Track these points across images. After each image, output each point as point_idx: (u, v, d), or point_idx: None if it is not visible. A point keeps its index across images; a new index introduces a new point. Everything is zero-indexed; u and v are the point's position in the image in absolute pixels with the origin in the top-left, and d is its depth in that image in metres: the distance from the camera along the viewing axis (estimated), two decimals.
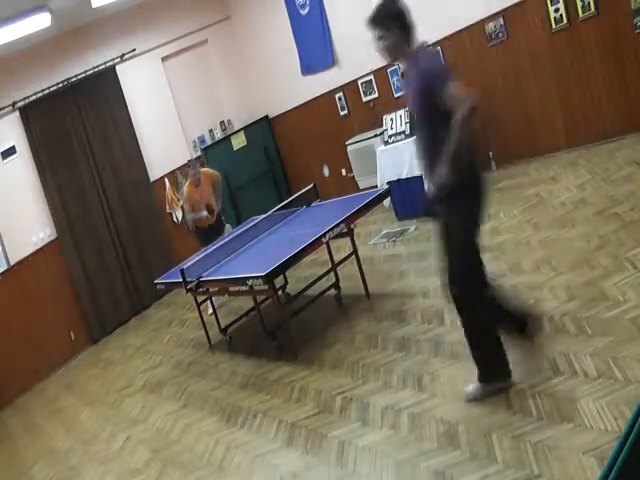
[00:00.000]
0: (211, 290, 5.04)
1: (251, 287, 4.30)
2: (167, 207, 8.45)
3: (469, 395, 3.03)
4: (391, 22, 2.75)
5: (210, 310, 6.09)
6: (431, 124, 2.74)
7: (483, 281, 2.94)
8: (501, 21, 6.25)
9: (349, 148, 7.82)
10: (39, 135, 7.40)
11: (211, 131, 9.06)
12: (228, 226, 6.75)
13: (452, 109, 2.61)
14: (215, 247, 5.53)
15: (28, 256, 7.23)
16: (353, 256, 5.01)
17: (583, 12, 5.64)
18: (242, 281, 4.37)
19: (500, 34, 6.32)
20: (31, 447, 5.25)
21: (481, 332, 2.92)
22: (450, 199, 2.81)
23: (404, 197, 6.45)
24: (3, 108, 7.19)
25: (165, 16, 8.46)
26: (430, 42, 3.07)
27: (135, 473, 3.92)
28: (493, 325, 2.92)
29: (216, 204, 6.55)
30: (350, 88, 8.02)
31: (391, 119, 6.54)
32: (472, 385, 3.03)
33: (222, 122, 9.18)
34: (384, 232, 6.46)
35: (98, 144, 7.86)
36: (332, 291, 5.16)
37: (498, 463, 2.53)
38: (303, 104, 8.69)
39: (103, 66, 7.93)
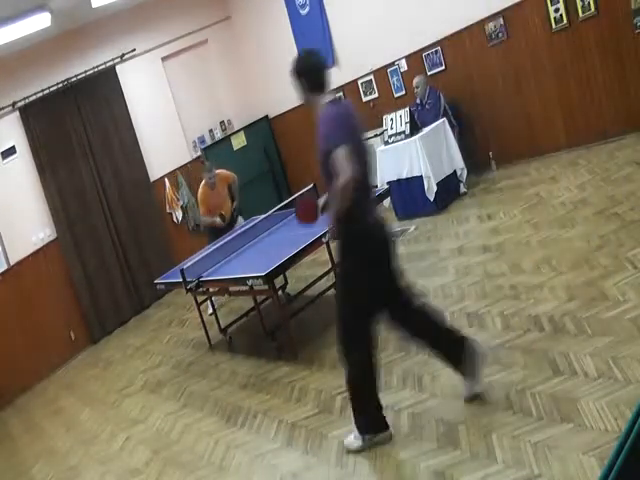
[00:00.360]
0: (211, 290, 5.04)
1: (251, 287, 4.30)
2: (167, 207, 8.45)
3: (347, 445, 3.08)
4: (298, 75, 2.88)
5: (210, 310, 6.09)
6: (327, 171, 2.77)
7: (372, 339, 2.92)
8: (501, 21, 6.25)
9: None
10: (39, 135, 7.40)
11: (211, 131, 9.06)
12: (240, 219, 6.72)
13: (336, 173, 2.66)
14: (215, 247, 5.53)
15: (28, 256, 7.23)
16: None
17: (583, 12, 5.64)
18: (242, 281, 4.37)
19: (500, 34, 6.32)
20: (31, 447, 5.25)
21: (356, 389, 2.97)
22: (341, 259, 2.95)
23: (404, 197, 6.46)
24: (3, 108, 7.19)
25: (165, 16, 8.46)
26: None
27: (135, 473, 3.92)
28: (367, 384, 2.94)
29: (232, 206, 6.55)
30: (350, 88, 8.03)
31: (391, 119, 6.54)
32: (351, 435, 3.08)
33: (222, 122, 9.18)
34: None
35: (98, 144, 7.86)
36: (332, 291, 5.15)
37: (498, 463, 2.53)
38: (303, 104, 8.67)
39: (103, 66, 7.93)
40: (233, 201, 6.56)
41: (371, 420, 3.00)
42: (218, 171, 6.46)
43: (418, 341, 3.06)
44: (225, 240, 5.71)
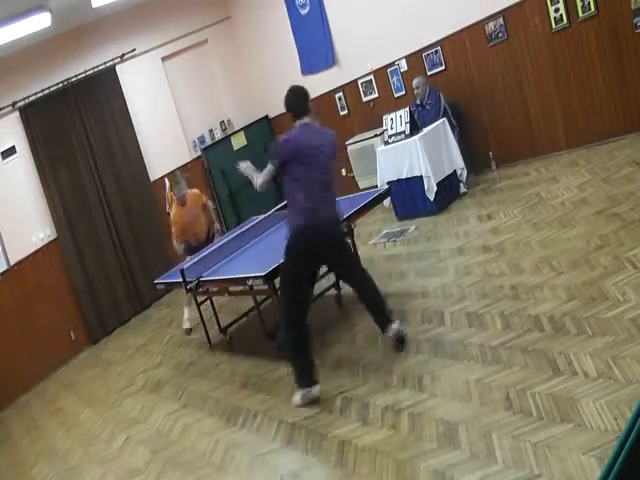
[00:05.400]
0: (211, 290, 5.04)
1: (251, 287, 4.30)
2: (167, 207, 8.44)
3: (295, 404, 3.78)
4: (285, 104, 3.95)
5: (187, 324, 6.16)
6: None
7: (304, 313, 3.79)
8: (501, 21, 6.25)
9: (349, 148, 7.82)
10: (39, 135, 7.40)
11: (211, 131, 9.06)
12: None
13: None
14: (215, 247, 5.53)
15: (28, 256, 7.23)
16: None
17: (583, 12, 5.64)
18: (242, 281, 4.38)
19: (500, 34, 6.32)
20: (31, 447, 5.25)
21: (290, 348, 3.80)
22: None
23: (404, 197, 6.46)
24: (3, 108, 7.19)
25: (165, 16, 8.46)
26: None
27: (135, 473, 3.92)
28: (298, 345, 3.75)
29: (207, 229, 6.30)
30: (350, 88, 8.03)
31: (391, 119, 6.54)
32: (295, 394, 3.79)
33: (222, 122, 9.18)
34: (384, 232, 6.46)
35: (98, 144, 7.85)
36: (332, 291, 5.16)
37: (498, 463, 2.54)
38: None
39: (103, 66, 7.93)
40: (209, 224, 6.34)
41: (302, 376, 3.75)
42: (192, 190, 6.29)
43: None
44: (225, 240, 5.71)
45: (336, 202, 3.97)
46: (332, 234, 3.85)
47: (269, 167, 3.84)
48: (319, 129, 3.96)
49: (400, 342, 3.88)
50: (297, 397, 3.78)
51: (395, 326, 3.87)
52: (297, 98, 3.92)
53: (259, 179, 3.92)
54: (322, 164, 3.79)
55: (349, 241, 4.90)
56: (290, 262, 3.80)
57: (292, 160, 3.71)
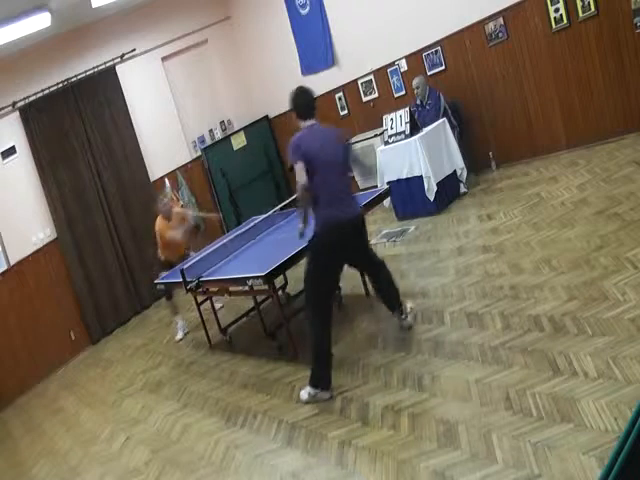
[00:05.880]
0: (211, 290, 5.04)
1: (251, 287, 4.30)
2: None
3: (301, 398, 3.81)
4: (291, 104, 3.89)
5: (180, 335, 6.22)
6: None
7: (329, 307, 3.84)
8: (501, 21, 6.25)
9: None
10: (39, 135, 7.40)
11: (211, 131, 9.06)
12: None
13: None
14: (215, 247, 5.53)
15: (28, 256, 7.23)
16: None
17: (583, 12, 5.64)
18: (242, 281, 4.37)
19: (500, 34, 6.32)
20: (31, 447, 5.25)
21: (313, 347, 3.76)
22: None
23: (404, 197, 6.46)
24: (3, 108, 7.19)
25: (165, 16, 8.46)
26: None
27: (135, 473, 3.92)
28: (321, 346, 3.75)
29: (187, 247, 6.30)
30: (350, 88, 8.03)
31: (391, 119, 6.54)
32: (304, 389, 3.81)
33: (222, 122, 9.18)
34: (384, 232, 6.46)
35: (98, 144, 7.86)
36: None
37: (498, 463, 2.54)
38: None
39: (103, 66, 7.93)
40: (187, 246, 6.31)
41: (320, 377, 3.75)
42: (179, 210, 6.32)
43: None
44: (225, 240, 5.71)
45: (355, 200, 4.02)
46: (354, 228, 3.86)
47: (296, 167, 3.73)
48: (324, 129, 3.96)
49: (410, 326, 4.14)
50: (304, 393, 3.80)
51: (409, 319, 4.12)
52: (303, 99, 3.90)
53: (297, 183, 3.68)
54: (332, 163, 3.80)
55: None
56: (315, 262, 3.80)
57: (305, 162, 3.72)
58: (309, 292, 3.82)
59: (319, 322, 3.75)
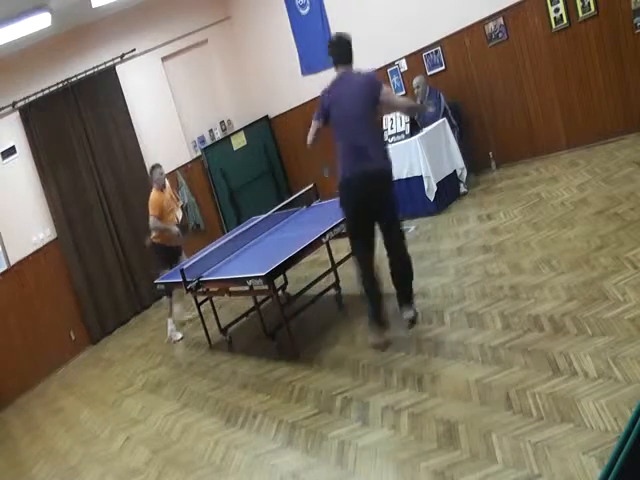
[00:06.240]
0: (211, 290, 5.04)
1: (251, 287, 4.30)
2: None
3: (369, 341, 4.01)
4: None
5: (179, 336, 6.22)
6: None
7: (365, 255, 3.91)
8: (501, 21, 6.25)
9: None
10: (39, 135, 7.40)
11: (211, 131, 9.06)
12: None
13: None
14: (215, 247, 5.53)
15: (28, 256, 7.23)
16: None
17: (583, 12, 5.64)
18: (242, 281, 4.37)
19: (500, 34, 6.32)
20: (31, 447, 5.25)
21: (366, 297, 3.99)
22: None
23: (404, 197, 6.43)
24: (3, 108, 7.19)
25: (165, 16, 8.46)
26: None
27: (135, 473, 3.92)
28: (369, 295, 3.94)
29: (180, 219, 6.40)
30: None
31: (391, 119, 6.54)
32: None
33: (222, 122, 9.18)
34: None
35: (98, 144, 7.85)
36: (332, 291, 5.16)
37: (498, 463, 2.53)
38: (303, 104, 8.68)
39: (103, 66, 7.93)
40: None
41: (372, 322, 3.97)
42: (168, 186, 6.37)
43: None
44: (225, 240, 5.71)
45: (379, 152, 3.85)
46: (371, 182, 3.78)
47: (312, 122, 3.89)
48: (355, 77, 3.86)
49: (411, 323, 4.05)
50: (369, 337, 4.02)
51: (410, 314, 4.03)
52: (333, 46, 3.89)
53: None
54: (352, 114, 3.72)
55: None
56: (344, 215, 3.98)
57: (329, 113, 3.75)
58: (350, 244, 4.02)
59: (359, 271, 3.91)
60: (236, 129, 9.16)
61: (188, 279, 4.87)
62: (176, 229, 6.19)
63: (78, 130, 7.71)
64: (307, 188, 5.66)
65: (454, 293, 4.34)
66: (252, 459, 3.46)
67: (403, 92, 7.42)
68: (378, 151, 3.85)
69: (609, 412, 2.51)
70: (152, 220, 6.02)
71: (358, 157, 3.74)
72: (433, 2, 6.68)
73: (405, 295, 4.04)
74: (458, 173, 6.50)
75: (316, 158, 8.84)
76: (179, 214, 7.77)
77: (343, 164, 3.80)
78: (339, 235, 4.64)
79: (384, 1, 7.14)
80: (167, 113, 8.57)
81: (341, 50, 3.86)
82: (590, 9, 5.58)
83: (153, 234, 6.17)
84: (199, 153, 8.83)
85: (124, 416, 4.95)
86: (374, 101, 3.81)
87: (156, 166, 6.18)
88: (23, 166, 7.36)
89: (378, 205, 3.86)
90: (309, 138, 3.93)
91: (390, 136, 6.52)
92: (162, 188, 6.14)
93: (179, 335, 6.22)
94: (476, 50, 6.57)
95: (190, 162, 8.77)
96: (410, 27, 6.97)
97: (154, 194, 6.11)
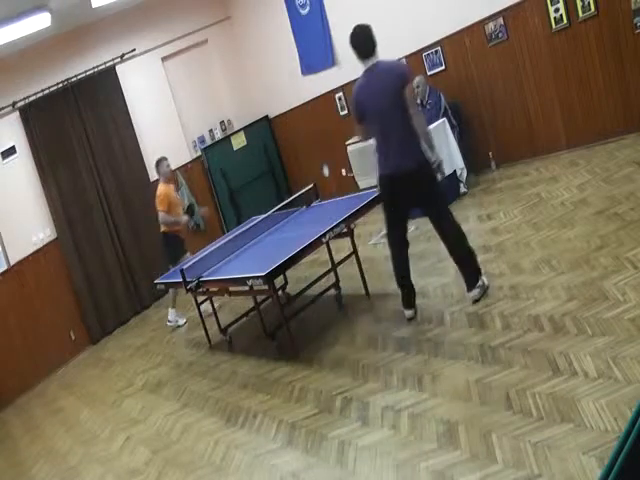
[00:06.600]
0: (211, 290, 5.04)
1: (251, 287, 4.30)
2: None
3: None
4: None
5: (180, 320, 6.31)
6: None
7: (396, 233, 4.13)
8: (501, 21, 6.25)
9: (349, 148, 7.79)
10: (39, 135, 7.40)
11: (211, 131, 9.06)
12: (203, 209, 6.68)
13: None
14: (215, 247, 5.53)
15: (28, 256, 7.23)
16: (353, 256, 5.01)
17: (583, 12, 5.64)
18: (242, 281, 4.37)
19: (500, 34, 6.32)
20: (31, 447, 5.25)
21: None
22: None
23: None
24: (3, 108, 7.19)
25: (165, 16, 8.46)
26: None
27: (135, 473, 3.92)
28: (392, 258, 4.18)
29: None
30: (350, 88, 7.96)
31: None
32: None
33: (222, 122, 9.18)
34: (384, 232, 6.42)
35: (98, 144, 7.85)
36: (332, 291, 5.16)
37: (498, 463, 2.53)
38: (303, 104, 8.69)
39: (103, 66, 7.93)
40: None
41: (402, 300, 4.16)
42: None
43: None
44: (225, 240, 5.71)
45: (413, 148, 3.79)
46: (402, 180, 3.81)
47: (355, 126, 3.98)
48: (382, 70, 3.74)
49: (475, 301, 4.04)
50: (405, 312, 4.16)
51: (475, 293, 4.00)
52: (356, 39, 3.75)
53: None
54: (382, 112, 3.68)
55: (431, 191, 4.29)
56: (382, 202, 4.14)
57: (359, 116, 3.77)
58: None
59: (391, 253, 4.13)
60: (236, 129, 9.16)
61: (188, 279, 4.87)
62: (185, 218, 6.31)
63: (78, 130, 7.71)
64: (307, 188, 5.66)
65: (454, 293, 4.34)
66: (252, 459, 3.46)
67: None
68: (412, 147, 3.79)
69: (609, 412, 2.50)
70: (161, 215, 6.16)
71: (392, 155, 3.76)
72: (433, 2, 6.67)
73: (466, 278, 4.04)
74: (458, 173, 6.50)
75: (316, 158, 8.84)
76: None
77: (379, 161, 3.88)
78: (339, 235, 4.65)
79: (384, 1, 7.14)
80: (167, 113, 8.57)
81: (361, 42, 3.73)
82: (590, 9, 5.58)
83: (162, 228, 6.29)
84: (199, 153, 8.83)
85: (124, 416, 4.95)
86: (404, 94, 3.69)
87: (162, 159, 6.25)
88: (23, 166, 7.36)
89: (412, 199, 3.97)
90: (360, 137, 4.11)
91: None
92: (169, 181, 6.20)
93: (183, 319, 6.22)
94: (476, 50, 6.57)
95: (190, 162, 8.77)
96: (410, 27, 6.97)
97: (161, 188, 6.20)
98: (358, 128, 4.00)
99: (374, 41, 3.77)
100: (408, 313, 4.16)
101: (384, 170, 3.89)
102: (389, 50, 7.38)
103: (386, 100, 3.68)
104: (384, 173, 3.89)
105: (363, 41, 3.73)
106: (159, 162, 6.26)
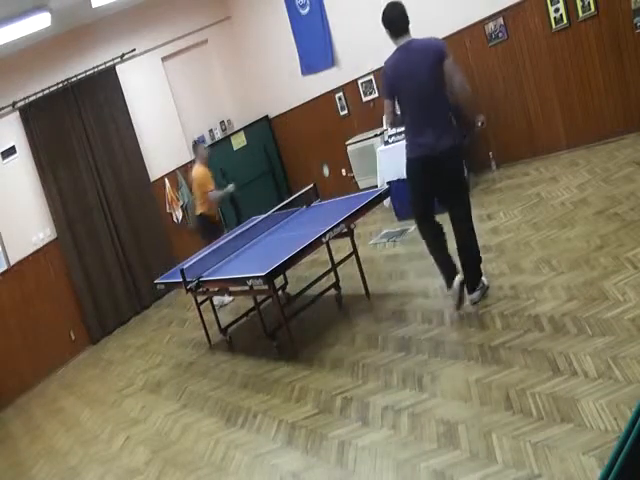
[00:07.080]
0: (211, 290, 5.04)
1: (251, 287, 4.30)
2: (167, 207, 8.45)
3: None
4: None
5: (226, 299, 6.25)
6: None
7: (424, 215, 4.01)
8: (501, 21, 6.25)
9: (349, 148, 7.82)
10: (39, 135, 7.40)
11: (211, 131, 9.06)
12: (231, 186, 6.62)
13: None
14: (215, 247, 5.53)
15: (28, 256, 7.23)
16: (353, 256, 5.01)
17: (583, 12, 5.64)
18: (242, 281, 4.37)
19: (500, 34, 6.32)
20: (31, 447, 5.25)
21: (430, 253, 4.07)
22: None
23: (404, 197, 6.44)
24: (3, 108, 7.19)
25: (165, 16, 8.46)
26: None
27: (135, 473, 3.92)
28: (430, 251, 4.05)
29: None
30: (350, 88, 8.02)
31: None
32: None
33: (222, 122, 9.18)
34: (384, 232, 6.45)
35: (98, 144, 7.85)
36: (332, 291, 5.16)
37: (498, 463, 2.53)
38: (303, 104, 8.69)
39: (103, 66, 7.93)
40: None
41: (444, 278, 4.00)
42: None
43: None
44: (225, 240, 5.71)
45: (448, 124, 3.75)
46: (431, 163, 3.73)
47: (385, 102, 3.76)
48: (418, 47, 3.64)
49: (474, 303, 4.00)
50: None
51: (474, 296, 3.97)
52: (386, 17, 3.68)
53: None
54: (416, 91, 3.58)
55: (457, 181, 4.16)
56: (407, 182, 4.03)
57: (389, 93, 3.65)
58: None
59: (425, 240, 4.03)
60: (236, 129, 9.16)
61: (188, 279, 4.87)
62: (231, 186, 6.48)
63: (78, 130, 7.71)
64: (307, 188, 5.66)
65: None
66: (252, 459, 3.46)
67: None
68: (448, 127, 3.74)
69: (609, 412, 2.51)
70: (213, 194, 6.27)
71: (422, 137, 3.65)
72: (433, 2, 6.67)
73: (469, 279, 3.92)
74: None
75: (316, 158, 8.85)
76: (179, 214, 7.93)
77: (408, 142, 3.79)
78: (339, 235, 4.65)
79: (384, 2, 7.12)
80: (167, 113, 8.57)
81: (395, 19, 3.64)
82: (590, 9, 5.58)
83: (200, 210, 6.39)
84: None
85: (124, 416, 4.95)
86: (441, 71, 3.59)
87: (199, 141, 6.31)
88: (23, 166, 7.36)
89: (438, 183, 3.84)
90: (387, 120, 3.87)
91: (390, 136, 6.52)
92: (205, 163, 6.31)
93: (228, 298, 6.23)
94: (476, 50, 6.57)
95: (190, 162, 8.75)
96: (410, 27, 6.95)
97: (201, 170, 6.31)
98: (388, 107, 3.77)
99: (407, 18, 3.69)
100: (455, 284, 3.87)
101: (416, 152, 3.75)
102: (389, 50, 7.41)
103: (423, 77, 3.57)
104: (416, 155, 3.75)
105: (397, 17, 3.64)
106: (196, 144, 6.42)
